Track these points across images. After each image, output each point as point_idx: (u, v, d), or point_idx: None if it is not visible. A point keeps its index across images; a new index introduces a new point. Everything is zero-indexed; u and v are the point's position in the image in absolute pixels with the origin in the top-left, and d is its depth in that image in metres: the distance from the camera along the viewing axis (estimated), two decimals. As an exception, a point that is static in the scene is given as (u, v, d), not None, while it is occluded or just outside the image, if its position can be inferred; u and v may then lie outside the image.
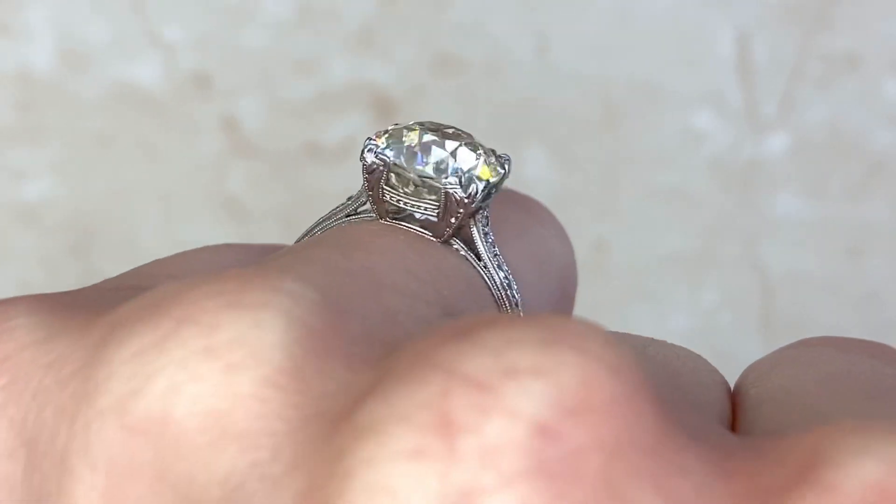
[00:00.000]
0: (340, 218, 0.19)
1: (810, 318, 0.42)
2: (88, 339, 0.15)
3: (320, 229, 0.19)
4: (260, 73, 0.42)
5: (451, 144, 0.18)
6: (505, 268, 0.18)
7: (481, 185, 0.18)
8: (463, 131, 0.18)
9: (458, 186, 0.18)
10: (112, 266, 0.18)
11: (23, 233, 0.42)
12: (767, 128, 0.42)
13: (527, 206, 0.20)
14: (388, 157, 0.18)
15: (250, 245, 0.19)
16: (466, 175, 0.18)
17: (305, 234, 0.19)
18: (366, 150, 0.18)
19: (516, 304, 0.18)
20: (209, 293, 0.14)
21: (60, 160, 0.42)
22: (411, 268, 0.16)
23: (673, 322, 0.43)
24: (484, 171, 0.18)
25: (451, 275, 0.17)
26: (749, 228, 0.42)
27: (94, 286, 0.17)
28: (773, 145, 0.42)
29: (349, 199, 0.19)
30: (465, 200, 0.17)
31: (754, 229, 0.42)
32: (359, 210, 0.18)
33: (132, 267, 0.18)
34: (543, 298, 0.19)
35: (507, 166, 0.18)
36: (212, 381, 0.13)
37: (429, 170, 0.18)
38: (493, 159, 0.18)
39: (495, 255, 0.18)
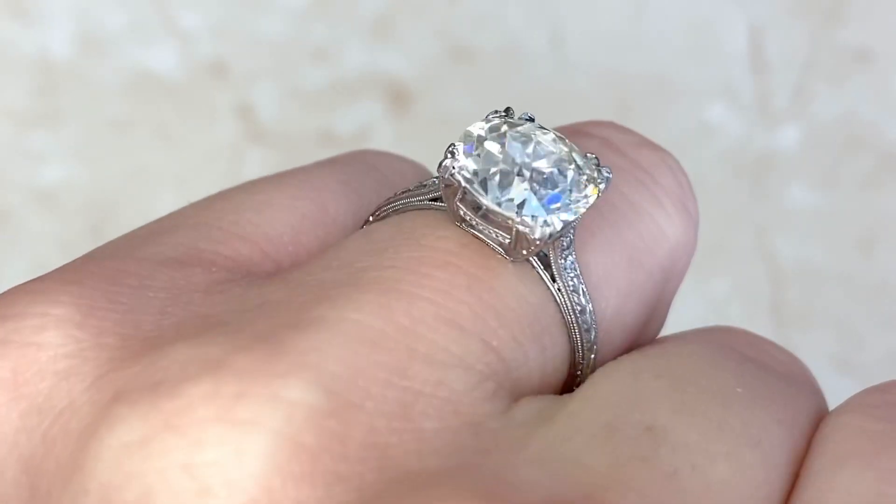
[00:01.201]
0: (425, 201, 0.17)
1: (820, 308, 0.42)
2: (98, 394, 0.14)
3: (403, 205, 0.17)
4: (276, 61, 0.42)
5: (533, 183, 0.15)
6: (583, 289, 0.16)
7: (558, 227, 0.15)
8: (564, 142, 0.16)
9: (530, 227, 0.15)
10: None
11: (41, 216, 0.42)
12: (779, 120, 0.42)
13: (643, 166, 0.18)
14: (462, 181, 0.16)
15: (326, 174, 0.18)
16: (543, 216, 0.15)
17: (388, 203, 0.17)
18: (446, 157, 0.16)
19: (587, 330, 0.16)
20: (204, 397, 0.14)
21: (78, 144, 0.42)
22: (460, 318, 0.15)
23: (683, 311, 0.43)
24: (567, 206, 0.15)
25: (511, 314, 0.15)
26: (760, 220, 0.43)
27: (154, 246, 0.17)
28: (785, 138, 0.42)
29: (436, 177, 0.17)
30: (538, 241, 0.15)
31: (765, 220, 0.42)
32: None
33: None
34: (632, 302, 0.17)
35: (602, 186, 0.16)
36: (184, 501, 0.13)
37: (503, 209, 0.15)
38: (583, 178, 0.16)
39: (574, 276, 0.16)
